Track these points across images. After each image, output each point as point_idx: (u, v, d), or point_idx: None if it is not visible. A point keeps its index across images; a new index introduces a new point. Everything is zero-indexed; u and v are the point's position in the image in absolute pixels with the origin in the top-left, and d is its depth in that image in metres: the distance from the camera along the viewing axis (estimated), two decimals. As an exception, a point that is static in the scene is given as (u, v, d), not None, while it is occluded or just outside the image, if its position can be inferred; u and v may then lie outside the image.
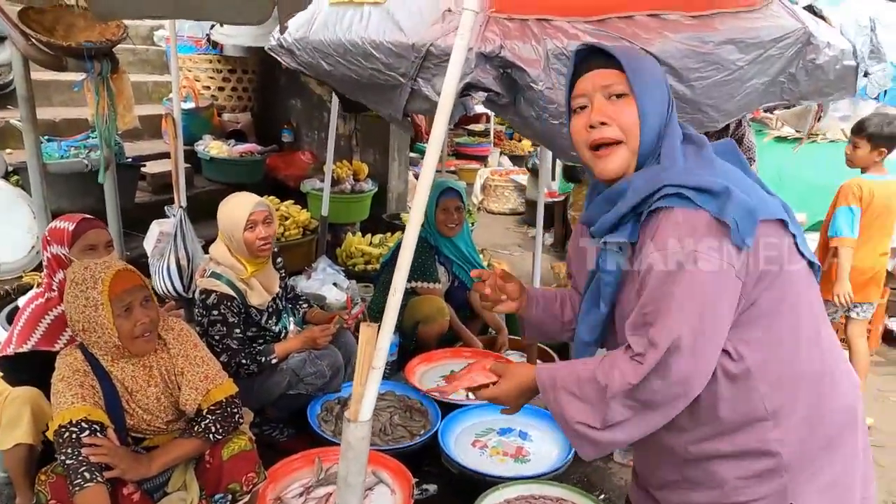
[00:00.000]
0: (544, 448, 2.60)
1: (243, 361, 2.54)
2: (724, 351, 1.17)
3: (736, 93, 1.87)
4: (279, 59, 2.20)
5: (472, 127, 8.67)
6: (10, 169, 3.23)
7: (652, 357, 1.12)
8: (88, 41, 2.21)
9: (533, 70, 1.83)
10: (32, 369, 2.05)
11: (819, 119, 3.49)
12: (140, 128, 3.64)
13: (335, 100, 3.69)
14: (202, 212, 3.41)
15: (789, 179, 5.02)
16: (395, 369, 3.19)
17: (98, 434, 1.75)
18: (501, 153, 8.66)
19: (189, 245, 3.07)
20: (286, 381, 2.67)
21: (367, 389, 1.39)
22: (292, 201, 4.67)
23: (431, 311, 3.27)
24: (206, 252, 2.85)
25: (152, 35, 5.31)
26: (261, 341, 2.72)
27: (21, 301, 2.33)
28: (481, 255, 4.55)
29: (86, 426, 1.73)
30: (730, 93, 1.86)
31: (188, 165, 4.27)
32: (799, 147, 4.81)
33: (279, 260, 2.92)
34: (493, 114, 7.48)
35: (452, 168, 7.80)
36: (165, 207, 3.20)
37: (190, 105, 4.69)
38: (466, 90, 1.80)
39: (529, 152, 7.91)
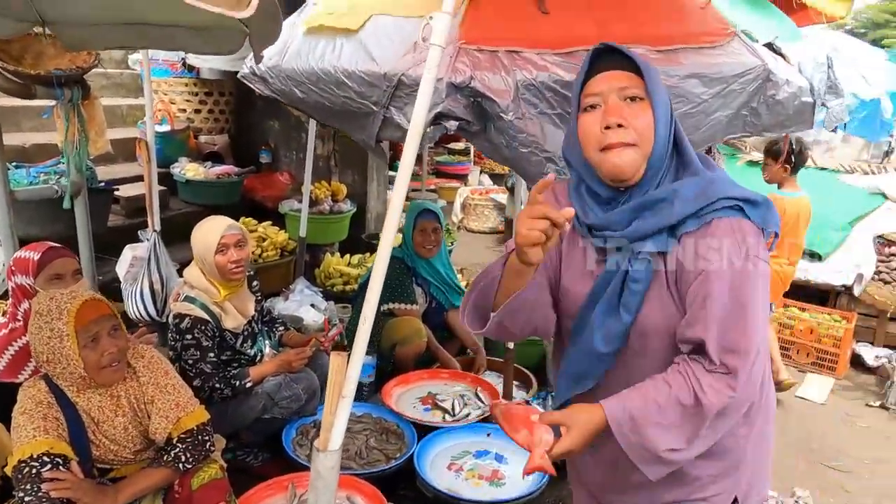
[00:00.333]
0: (520, 471, 2.60)
1: (217, 386, 2.53)
2: None
3: (701, 125, 1.94)
4: (252, 86, 2.22)
5: (453, 145, 8.74)
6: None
7: (743, 368, 1.14)
8: (58, 69, 2.21)
9: (503, 100, 1.87)
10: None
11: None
12: (113, 152, 3.61)
13: (313, 121, 3.71)
14: (178, 234, 3.39)
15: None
16: (372, 391, 3.18)
17: (60, 468, 1.71)
18: (482, 171, 8.74)
19: (163, 269, 3.05)
20: (261, 405, 2.66)
21: (336, 418, 1.40)
22: (270, 222, 4.66)
23: (409, 332, 3.28)
24: (181, 275, 2.83)
25: (126, 59, 5.30)
26: (235, 365, 2.71)
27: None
28: (460, 275, 4.58)
29: (47, 460, 1.70)
30: (695, 125, 1.92)
31: (164, 188, 4.25)
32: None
33: (255, 283, 2.91)
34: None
35: (433, 186, 7.85)
36: (139, 231, 3.17)
37: (165, 128, 4.68)
38: (438, 119, 1.83)
39: (509, 171, 7.99)
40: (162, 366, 1.99)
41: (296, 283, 4.17)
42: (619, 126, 1.18)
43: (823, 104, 2.02)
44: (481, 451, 2.71)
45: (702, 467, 1.29)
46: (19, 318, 2.13)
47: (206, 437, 1.97)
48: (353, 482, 2.34)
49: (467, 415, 2.93)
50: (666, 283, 1.22)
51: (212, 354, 2.56)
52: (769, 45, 2.05)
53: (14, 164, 3.34)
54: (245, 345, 2.76)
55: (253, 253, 4.28)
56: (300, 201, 4.34)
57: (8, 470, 1.73)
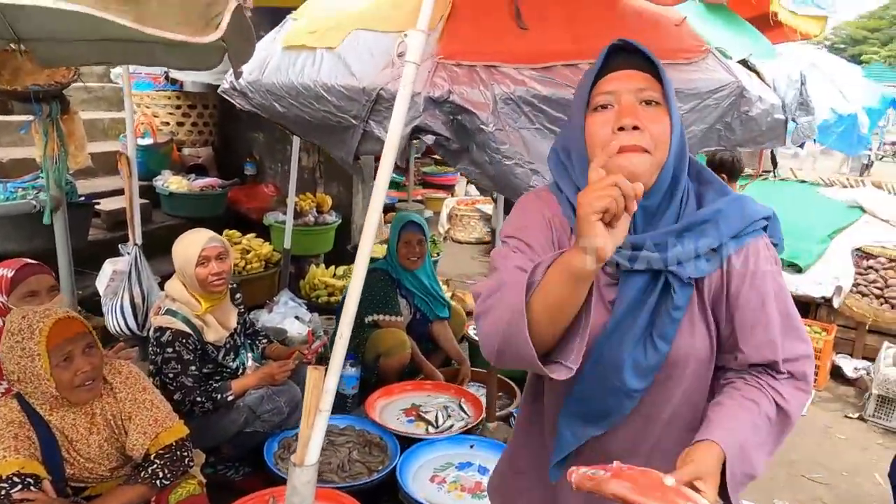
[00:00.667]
0: (503, 481, 2.60)
1: (198, 399, 2.51)
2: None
3: (677, 138, 1.97)
4: (233, 101, 2.23)
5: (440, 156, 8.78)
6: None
7: (810, 370, 1.16)
8: (36, 84, 2.20)
9: (482, 113, 1.89)
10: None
11: (773, 160, 3.74)
12: (94, 166, 3.59)
13: (296, 134, 3.73)
14: (161, 247, 3.37)
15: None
16: (356, 403, 3.18)
17: (32, 487, 1.69)
18: (468, 182, 8.78)
19: (144, 282, 3.03)
20: (242, 418, 2.64)
21: (313, 433, 1.40)
22: (254, 234, 4.65)
23: (393, 343, 3.29)
24: (163, 289, 2.82)
25: (109, 72, 5.29)
26: (217, 378, 2.69)
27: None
28: (446, 286, 4.59)
29: (17, 480, 1.67)
30: (671, 138, 1.95)
31: (146, 201, 4.24)
32: (749, 184, 5.04)
33: (238, 295, 2.90)
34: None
35: (419, 197, 7.87)
36: (120, 245, 3.16)
37: (148, 141, 4.67)
38: (415, 133, 1.85)
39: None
40: (140, 381, 1.98)
41: (280, 294, 4.17)
42: (635, 128, 1.07)
43: (793, 120, 2.07)
44: (464, 463, 2.71)
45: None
46: (-8, 336, 2.11)
47: (185, 453, 1.96)
48: (335, 496, 2.33)
49: (451, 426, 2.93)
50: (699, 307, 1.15)
51: (193, 368, 2.54)
52: (744, 62, 2.09)
53: (-9, 179, 3.32)
54: (227, 358, 2.74)
55: (237, 265, 4.27)
56: (285, 213, 4.34)
57: None
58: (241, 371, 2.79)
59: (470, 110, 1.88)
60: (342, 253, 5.14)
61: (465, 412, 3.05)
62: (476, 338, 3.95)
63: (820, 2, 2.73)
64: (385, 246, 4.11)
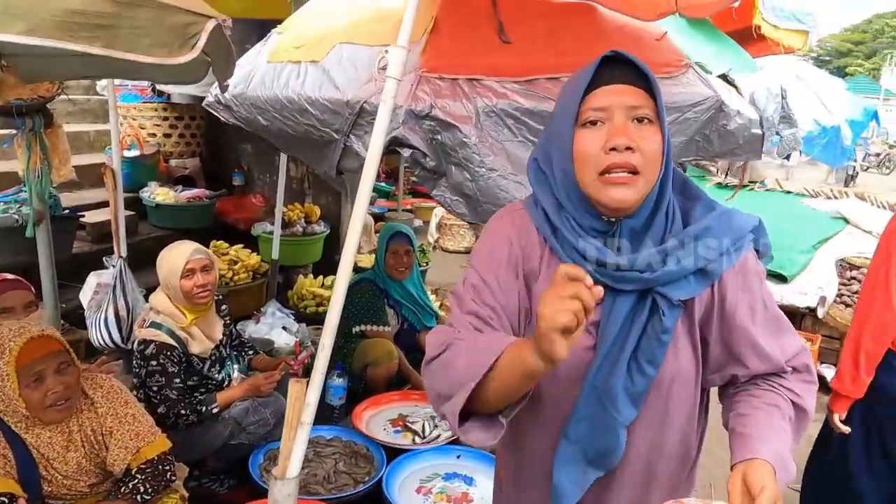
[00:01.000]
0: (489, 493, 2.60)
1: (182, 412, 2.50)
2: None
3: (658, 149, 2.00)
4: (217, 114, 2.24)
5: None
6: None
7: (810, 360, 1.18)
8: (19, 99, 2.20)
9: (465, 126, 1.91)
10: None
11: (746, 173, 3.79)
12: (78, 179, 3.56)
13: (283, 146, 3.73)
14: (147, 259, 3.35)
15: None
16: (343, 413, 3.17)
17: None
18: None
19: (129, 295, 3.02)
20: (228, 430, 2.63)
21: (295, 445, 1.40)
22: (242, 245, 4.64)
23: (380, 354, 3.29)
24: (148, 301, 2.81)
25: (94, 84, 5.27)
26: (202, 390, 2.68)
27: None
28: (434, 296, 4.60)
29: None
30: (652, 149, 1.99)
31: (133, 213, 4.22)
32: (735, 194, 5.09)
33: (223, 307, 2.90)
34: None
35: (409, 206, 7.88)
36: (104, 258, 3.15)
37: (135, 153, 4.65)
38: (392, 145, 1.86)
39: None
40: (122, 395, 1.96)
41: (267, 305, 4.15)
42: (628, 149, 1.03)
43: (777, 133, 2.11)
44: (451, 474, 2.71)
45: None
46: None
47: (167, 467, 1.94)
48: (320, 508, 2.32)
49: (437, 436, 2.93)
50: (686, 328, 1.12)
51: (177, 380, 2.53)
52: (723, 77, 2.13)
53: (-27, 194, 3.30)
54: (212, 370, 2.73)
55: (224, 276, 4.25)
56: (273, 223, 4.33)
57: None
58: (226, 383, 2.78)
59: (452, 124, 1.90)
60: (330, 263, 5.13)
61: (451, 423, 3.05)
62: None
63: (801, 17, 2.78)
64: (373, 256, 4.13)
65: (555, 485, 1.14)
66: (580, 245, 1.08)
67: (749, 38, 2.64)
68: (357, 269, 4.55)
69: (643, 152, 1.03)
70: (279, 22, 2.46)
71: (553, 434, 1.15)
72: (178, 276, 2.54)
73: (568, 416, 1.12)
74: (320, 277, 4.90)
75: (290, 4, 2.92)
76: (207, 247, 3.27)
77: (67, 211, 3.56)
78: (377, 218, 6.62)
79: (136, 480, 1.87)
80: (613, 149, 1.03)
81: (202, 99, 2.43)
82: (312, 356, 3.44)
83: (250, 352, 3.07)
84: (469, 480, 2.67)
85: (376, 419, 3.09)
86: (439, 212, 7.89)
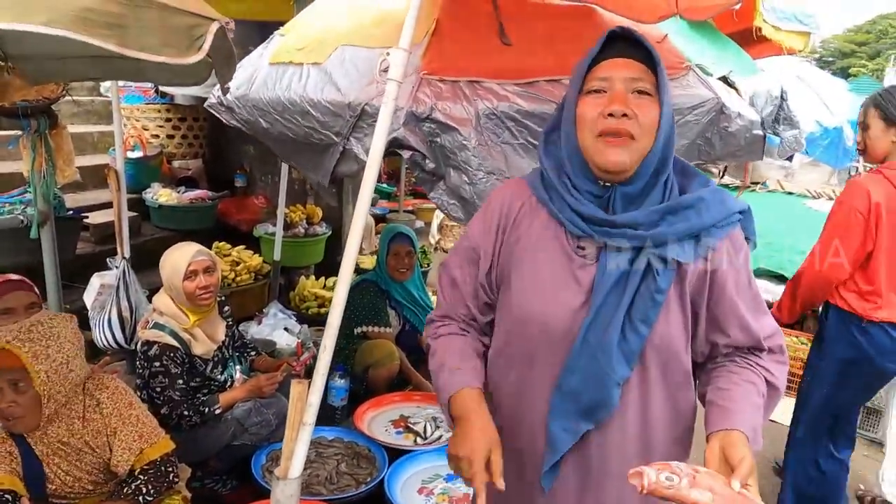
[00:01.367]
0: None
1: (185, 413, 2.51)
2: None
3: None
4: (219, 116, 2.25)
5: (429, 168, 8.78)
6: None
7: (783, 342, 1.25)
8: (24, 100, 2.21)
9: (464, 129, 1.92)
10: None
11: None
12: (82, 180, 3.58)
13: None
14: (150, 260, 3.37)
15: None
16: (344, 415, 3.18)
17: None
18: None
19: (132, 296, 3.03)
20: (230, 431, 2.64)
21: (297, 446, 1.41)
22: (244, 246, 4.65)
23: (382, 355, 3.30)
24: (151, 301, 2.82)
25: (98, 86, 5.29)
26: (205, 391, 2.69)
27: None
28: (434, 297, 4.60)
29: None
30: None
31: (136, 214, 4.24)
32: (739, 195, 5.10)
33: (226, 308, 2.91)
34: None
35: (410, 207, 7.89)
36: (108, 259, 3.16)
37: (138, 154, 4.67)
38: (392, 147, 1.87)
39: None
40: (126, 397, 1.97)
41: (269, 306, 4.16)
42: (624, 115, 1.11)
43: (776, 134, 2.11)
44: (452, 475, 2.71)
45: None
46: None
47: (170, 469, 1.95)
48: (323, 508, 2.33)
49: (439, 437, 2.94)
50: (678, 294, 1.17)
51: (180, 381, 2.54)
52: (724, 79, 2.13)
53: (-22, 194, 3.32)
54: (215, 371, 2.75)
55: (226, 277, 4.27)
56: (275, 225, 4.35)
57: None
58: (229, 384, 2.79)
59: (452, 126, 1.91)
60: (332, 264, 5.14)
61: (453, 424, 3.06)
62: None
63: (803, 18, 2.78)
64: (375, 258, 4.13)
65: (549, 432, 1.20)
66: (571, 201, 1.18)
67: (750, 39, 2.64)
68: (358, 271, 4.56)
69: (639, 121, 1.12)
70: (281, 24, 2.47)
71: (547, 385, 1.21)
72: (180, 277, 2.56)
73: (561, 368, 1.19)
74: (322, 279, 4.91)
75: (293, 6, 2.93)
76: (210, 248, 3.28)
77: (71, 212, 3.57)
78: (378, 219, 6.63)
79: (139, 481, 1.88)
80: (611, 114, 1.12)
81: (205, 100, 2.45)
82: (314, 357, 3.44)
83: (252, 353, 3.08)
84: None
85: (378, 420, 3.10)
86: (440, 213, 7.90)
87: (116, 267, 3.07)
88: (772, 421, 4.00)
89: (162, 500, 1.92)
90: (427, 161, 1.90)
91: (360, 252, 5.45)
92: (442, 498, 2.58)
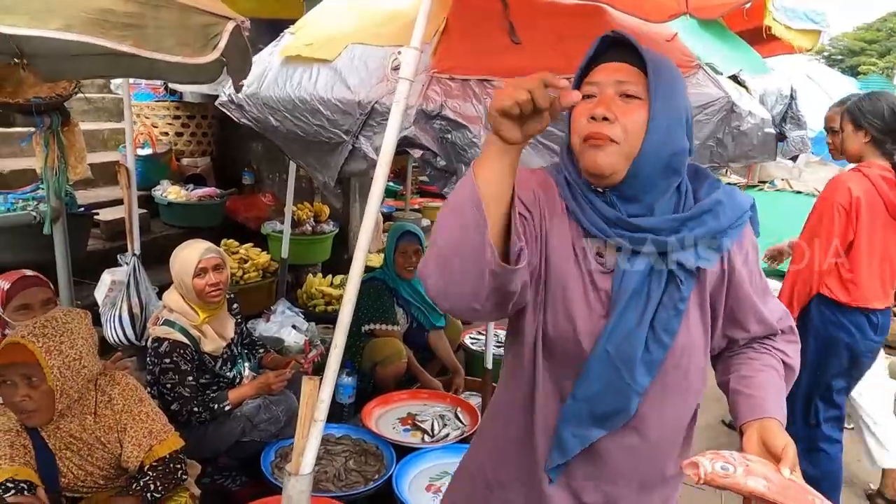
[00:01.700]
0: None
1: (195, 409, 2.53)
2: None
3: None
4: (229, 114, 2.27)
5: (436, 165, 8.78)
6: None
7: (793, 322, 1.29)
8: (38, 97, 2.23)
9: (474, 126, 1.92)
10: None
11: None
12: (93, 177, 3.61)
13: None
14: (159, 257, 3.40)
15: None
16: (352, 412, 3.19)
17: (25, 493, 1.70)
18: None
19: (142, 293, 3.05)
20: (240, 427, 2.66)
21: (308, 442, 1.42)
22: (252, 244, 4.67)
23: (389, 353, 3.31)
24: (161, 298, 2.84)
25: (109, 83, 5.32)
26: (214, 388, 2.71)
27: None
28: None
29: (11, 486, 1.68)
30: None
31: (145, 211, 4.26)
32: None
33: (235, 305, 2.93)
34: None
35: (417, 206, 7.89)
36: (118, 256, 3.18)
37: (147, 151, 4.69)
38: (403, 145, 1.87)
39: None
40: (137, 393, 1.99)
41: (277, 304, 4.18)
42: (605, 119, 1.09)
43: (783, 133, 2.11)
44: (460, 473, 2.72)
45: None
46: (-9, 347, 2.13)
47: (178, 466, 1.97)
48: (331, 505, 2.34)
49: (446, 435, 2.95)
50: (697, 299, 1.18)
51: (190, 378, 2.56)
52: (734, 78, 2.13)
53: (-9, 191, 3.35)
54: (224, 368, 2.76)
55: (234, 274, 4.29)
56: (283, 222, 4.36)
57: None
58: (238, 381, 2.81)
59: (462, 124, 1.91)
60: (339, 262, 5.16)
61: (460, 421, 3.07)
62: (473, 347, 3.99)
63: (814, 16, 2.77)
64: (382, 255, 4.14)
65: (558, 436, 1.19)
66: (598, 203, 1.14)
67: (759, 38, 2.64)
68: (366, 269, 4.57)
69: (623, 125, 1.10)
70: (291, 22, 2.48)
71: (564, 389, 1.19)
72: (190, 274, 2.57)
73: (578, 375, 1.16)
74: (329, 276, 4.92)
75: (303, 4, 2.94)
76: (218, 245, 3.30)
77: (83, 209, 3.60)
78: (385, 217, 6.63)
79: (148, 478, 1.90)
80: (594, 118, 1.10)
81: (214, 98, 2.47)
82: (322, 355, 3.47)
83: (261, 350, 3.10)
84: (478, 479, 2.68)
85: (385, 418, 3.10)
86: (447, 211, 7.89)
87: (127, 263, 3.10)
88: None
89: (170, 498, 1.93)
90: (438, 158, 1.90)
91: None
92: (449, 495, 2.58)
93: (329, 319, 4.33)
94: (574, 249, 1.17)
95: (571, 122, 1.16)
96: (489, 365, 3.09)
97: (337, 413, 3.13)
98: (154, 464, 1.91)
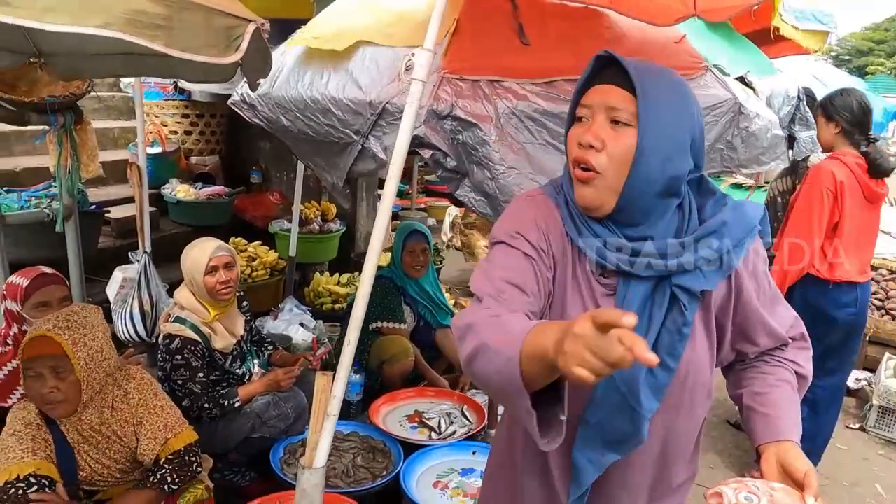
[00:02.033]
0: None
1: (206, 406, 2.56)
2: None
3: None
4: (241, 113, 2.29)
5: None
6: (-34, 220, 3.21)
7: (805, 329, 1.28)
8: (52, 95, 2.26)
9: (485, 125, 1.94)
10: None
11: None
12: (104, 174, 3.64)
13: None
14: (168, 255, 3.44)
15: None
16: (360, 409, 3.21)
17: (46, 489, 1.73)
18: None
19: (153, 290, 3.09)
20: (249, 424, 2.68)
21: (321, 436, 1.44)
22: (260, 242, 4.70)
23: (397, 351, 3.33)
24: (171, 295, 2.87)
25: (119, 82, 5.37)
26: (224, 385, 2.74)
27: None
28: (448, 294, 4.63)
29: (33, 481, 1.72)
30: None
31: (154, 209, 4.30)
32: (751, 194, 5.09)
33: (244, 303, 2.95)
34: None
35: (423, 205, 7.91)
36: (129, 253, 3.21)
37: (157, 150, 4.73)
38: (413, 145, 1.89)
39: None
40: (152, 387, 2.02)
41: (285, 302, 4.21)
42: (591, 147, 1.07)
43: (792, 135, 2.11)
44: (467, 469, 2.74)
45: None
46: (9, 342, 2.17)
47: (193, 458, 2.00)
48: (341, 500, 2.37)
49: (453, 433, 2.97)
50: (702, 318, 1.16)
51: (201, 375, 2.59)
52: (741, 79, 2.14)
53: (5, 188, 3.39)
54: (234, 364, 2.79)
55: (243, 272, 4.32)
56: (290, 221, 4.39)
57: None
58: (247, 378, 2.83)
59: (473, 122, 1.92)
60: (346, 261, 5.19)
61: (467, 419, 3.09)
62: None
63: (821, 17, 2.77)
64: (389, 254, 4.16)
65: (574, 464, 1.17)
66: (597, 228, 1.12)
67: (767, 39, 2.64)
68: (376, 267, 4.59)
69: (609, 153, 1.06)
70: (301, 22, 2.50)
71: (573, 417, 1.13)
72: (201, 272, 2.60)
73: (586, 401, 1.14)
74: (336, 275, 4.95)
75: (313, 5, 2.96)
76: (226, 243, 3.33)
77: (94, 206, 3.64)
78: (392, 216, 6.66)
79: (164, 470, 1.93)
80: (581, 144, 1.09)
81: (223, 97, 2.49)
82: (330, 352, 3.49)
83: (269, 347, 3.12)
84: (485, 476, 2.70)
85: (393, 415, 3.13)
86: (453, 211, 7.90)
87: (138, 261, 3.13)
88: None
89: (186, 489, 1.96)
90: (449, 159, 1.92)
91: (374, 249, 5.49)
92: (456, 492, 2.61)
93: (336, 317, 4.36)
94: (576, 271, 1.15)
95: (567, 145, 1.14)
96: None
97: (345, 410, 3.14)
98: (170, 457, 1.95)
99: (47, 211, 3.11)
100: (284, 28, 2.63)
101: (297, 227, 4.32)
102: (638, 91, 1.06)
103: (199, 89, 4.87)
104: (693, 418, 1.23)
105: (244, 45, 1.00)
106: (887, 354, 4.35)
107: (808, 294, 2.89)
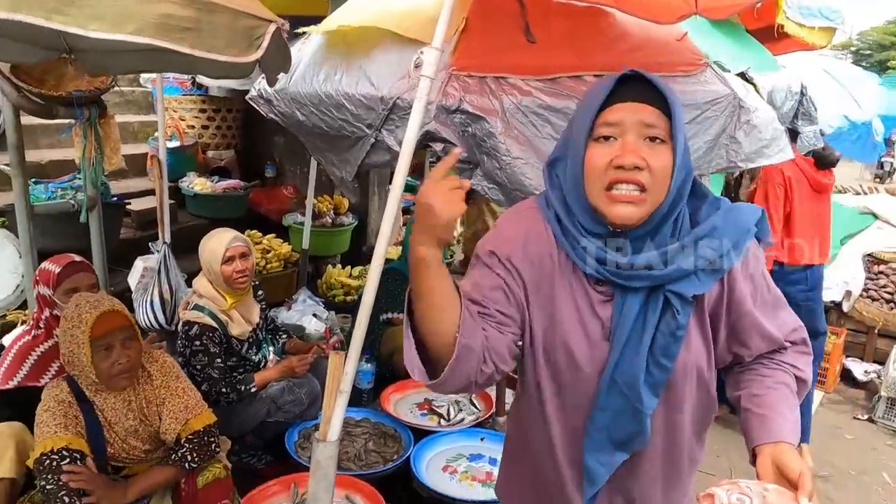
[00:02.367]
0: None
1: (224, 390, 2.66)
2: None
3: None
4: (258, 108, 2.38)
5: (453, 160, 8.83)
6: (-2, 211, 3.32)
7: (806, 334, 1.26)
8: (78, 90, 2.36)
9: (492, 118, 2.00)
10: (17, 405, 2.14)
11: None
12: (125, 167, 3.74)
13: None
14: (186, 246, 3.54)
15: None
16: (371, 397, 3.30)
17: (77, 462, 1.84)
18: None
19: (172, 279, 3.19)
20: (265, 408, 2.78)
21: (335, 412, 1.53)
22: (274, 235, 4.80)
23: (406, 341, 3.40)
24: (189, 285, 2.97)
25: (138, 77, 5.48)
26: (241, 370, 2.84)
27: (6, 340, 2.43)
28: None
29: (66, 454, 1.82)
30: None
31: (172, 201, 4.39)
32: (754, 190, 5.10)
33: (260, 292, 3.05)
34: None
35: (432, 200, 7.96)
36: (150, 244, 3.32)
37: (175, 143, 4.84)
38: (425, 140, 1.96)
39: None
40: (174, 370, 2.12)
41: (298, 293, 4.30)
42: (636, 168, 1.07)
43: (796, 130, 2.15)
44: (475, 455, 2.83)
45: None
46: (41, 325, 2.27)
47: (212, 439, 2.09)
48: (353, 482, 2.46)
49: (462, 420, 3.05)
50: (697, 321, 1.18)
51: (219, 360, 2.69)
52: (741, 75, 2.18)
53: (33, 179, 3.50)
54: (250, 351, 2.89)
55: (257, 264, 4.41)
56: (303, 214, 4.48)
57: (30, 462, 1.86)
58: (263, 364, 2.93)
59: (480, 116, 1.99)
60: (358, 254, 5.27)
61: (475, 406, 3.17)
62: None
63: (828, 13, 2.79)
64: (400, 248, 4.24)
65: (585, 467, 1.22)
66: (583, 243, 1.15)
67: (771, 36, 2.67)
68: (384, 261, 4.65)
69: (652, 171, 1.07)
70: (316, 19, 2.57)
71: (578, 421, 1.22)
72: (218, 261, 2.70)
73: (591, 405, 1.19)
74: (348, 268, 5.04)
75: (328, 2, 3.03)
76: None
77: (115, 198, 3.74)
78: (403, 212, 6.73)
79: (185, 449, 2.03)
80: (620, 166, 1.07)
81: (239, 92, 2.57)
82: (341, 341, 3.59)
83: (284, 336, 3.22)
84: (493, 462, 2.77)
85: (403, 403, 3.21)
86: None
87: (158, 251, 3.23)
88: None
89: (205, 468, 2.06)
90: (461, 152, 1.99)
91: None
92: (465, 476, 2.69)
93: (348, 309, 4.44)
94: (570, 279, 1.18)
95: (588, 169, 1.11)
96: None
97: (357, 398, 3.24)
98: (190, 436, 2.04)
99: (72, 202, 3.22)
100: (298, 24, 2.71)
101: (310, 220, 4.41)
102: (672, 107, 1.09)
103: (216, 84, 4.96)
104: (693, 413, 1.25)
105: (265, 45, 1.08)
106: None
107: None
